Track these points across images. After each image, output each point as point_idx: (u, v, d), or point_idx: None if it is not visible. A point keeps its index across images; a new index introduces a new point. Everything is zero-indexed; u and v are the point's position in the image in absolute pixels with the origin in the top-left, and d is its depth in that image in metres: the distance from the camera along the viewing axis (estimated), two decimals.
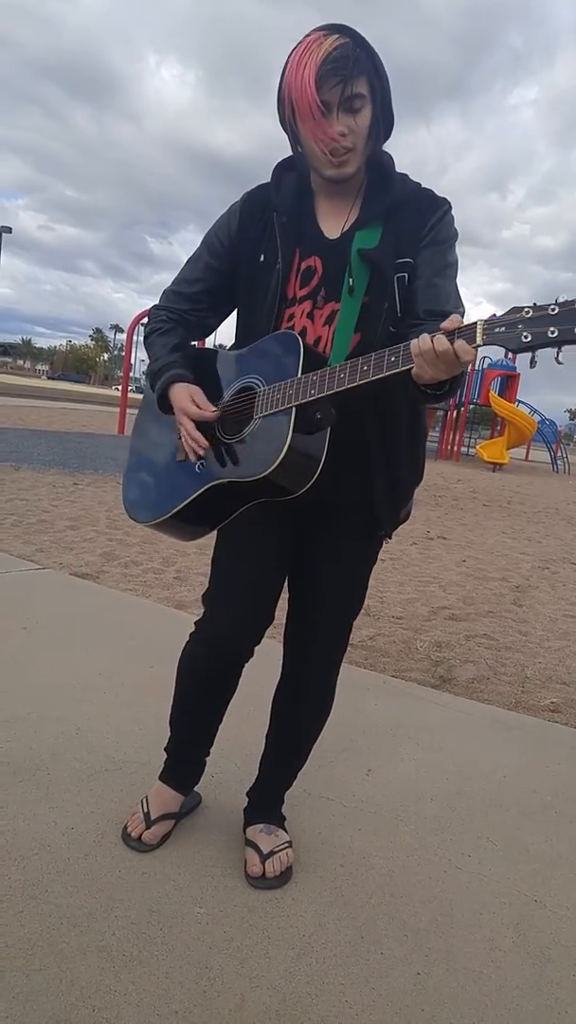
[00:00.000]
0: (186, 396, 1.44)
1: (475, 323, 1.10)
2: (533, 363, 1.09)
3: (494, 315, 1.12)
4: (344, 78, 1.24)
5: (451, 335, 1.10)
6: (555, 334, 1.04)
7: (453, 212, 1.40)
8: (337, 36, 1.25)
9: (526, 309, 1.07)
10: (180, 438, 1.47)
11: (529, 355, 1.08)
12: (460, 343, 1.09)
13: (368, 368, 1.20)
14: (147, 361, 1.62)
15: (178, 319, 1.57)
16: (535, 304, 1.07)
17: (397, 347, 1.17)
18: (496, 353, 23.63)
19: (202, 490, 1.42)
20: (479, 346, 1.10)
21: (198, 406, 1.43)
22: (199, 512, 1.47)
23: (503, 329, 1.08)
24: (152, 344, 1.56)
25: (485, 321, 1.10)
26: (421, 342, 1.11)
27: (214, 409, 1.42)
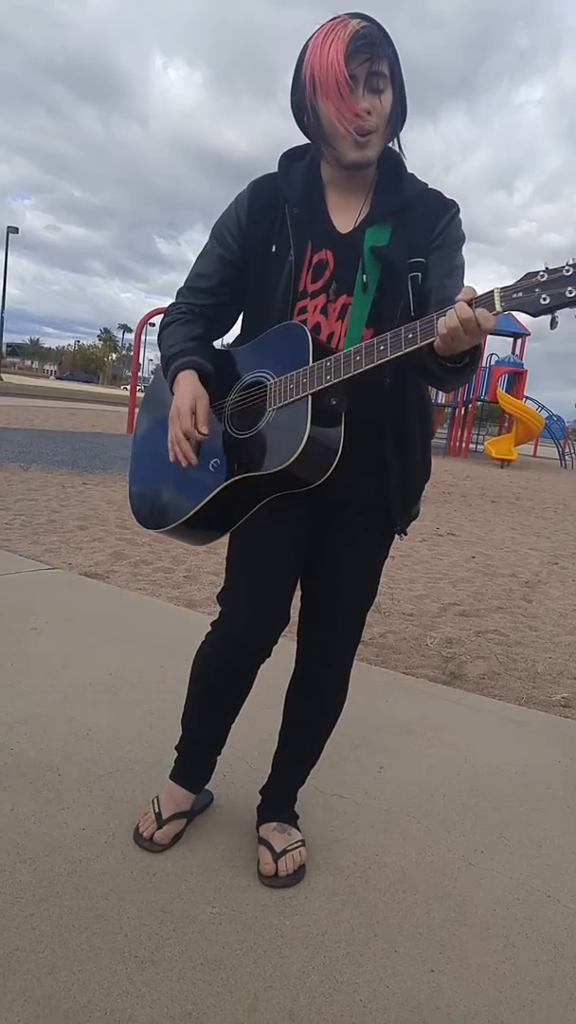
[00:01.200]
0: (189, 395, 1.40)
1: (492, 291, 1.12)
2: (554, 324, 1.10)
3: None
4: (372, 55, 1.26)
5: (470, 304, 1.11)
6: (572, 293, 1.05)
7: (461, 215, 1.41)
8: (361, 20, 1.27)
9: (540, 273, 1.08)
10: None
11: (549, 317, 1.10)
12: (481, 310, 1.10)
13: (385, 347, 1.19)
14: (156, 361, 1.60)
15: (198, 312, 1.53)
16: (547, 267, 1.08)
17: (412, 324, 1.17)
18: (503, 350, 23.56)
19: (218, 489, 1.39)
20: (498, 313, 1.11)
21: (196, 418, 1.39)
22: (214, 514, 1.44)
23: (520, 294, 1.10)
24: (170, 334, 1.51)
25: (502, 288, 1.11)
26: (448, 319, 1.12)
27: (205, 433, 1.39)
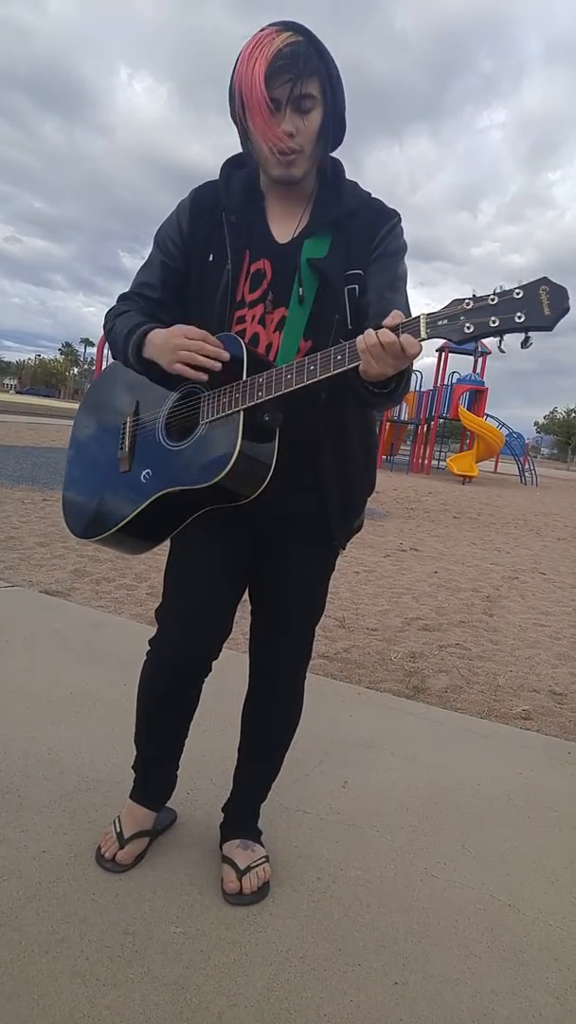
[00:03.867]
0: (177, 329, 1.31)
1: (418, 317, 1.11)
2: (476, 351, 1.10)
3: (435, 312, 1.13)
4: (294, 76, 1.21)
5: (395, 330, 1.11)
6: (496, 323, 1.05)
7: (415, 234, 1.41)
8: (290, 33, 1.22)
9: (467, 301, 1.08)
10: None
11: (473, 344, 1.10)
12: (406, 337, 1.10)
13: (315, 368, 1.19)
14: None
15: (149, 313, 1.48)
16: (475, 295, 1.08)
17: (342, 346, 1.17)
18: (465, 368, 24.07)
19: (150, 500, 1.38)
20: (424, 339, 1.11)
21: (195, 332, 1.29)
22: (147, 524, 1.43)
23: (445, 322, 1.09)
24: (125, 319, 1.44)
25: (428, 315, 1.11)
26: (366, 337, 1.12)
27: (217, 343, 1.30)
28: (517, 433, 26.75)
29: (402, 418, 22.23)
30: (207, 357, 1.28)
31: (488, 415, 22.94)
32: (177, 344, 1.30)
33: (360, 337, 1.13)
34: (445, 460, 25.31)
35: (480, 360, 23.84)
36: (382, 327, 1.11)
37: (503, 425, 24.39)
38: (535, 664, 3.65)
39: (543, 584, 6.04)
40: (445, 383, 22.22)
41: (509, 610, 4.87)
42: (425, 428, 23.30)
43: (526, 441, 29.28)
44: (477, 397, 22.29)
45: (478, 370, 23.84)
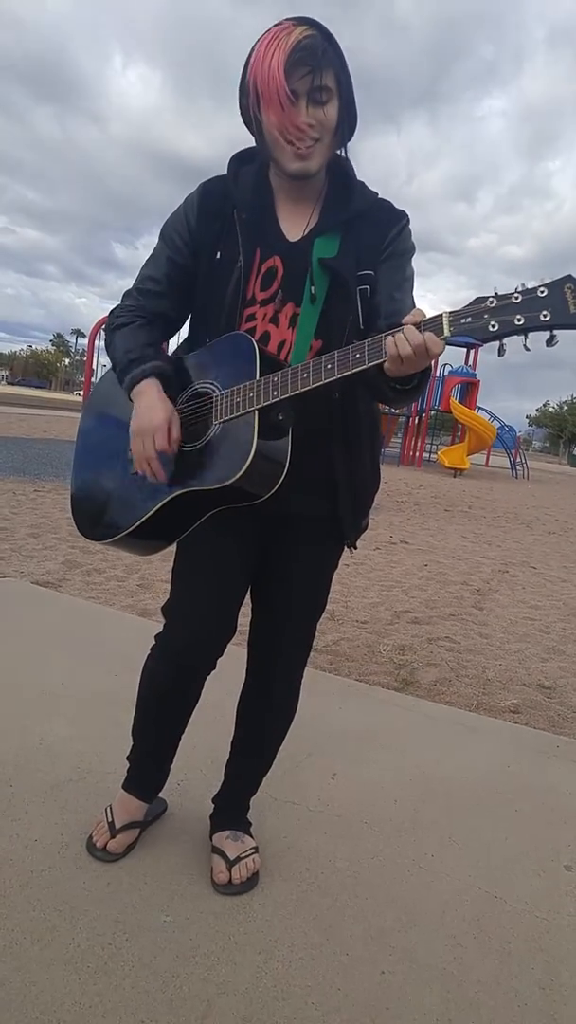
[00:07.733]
0: (163, 409, 1.34)
1: (440, 315, 1.11)
2: (502, 351, 1.09)
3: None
4: (313, 68, 1.22)
5: (417, 327, 1.11)
6: (521, 322, 1.05)
7: (411, 225, 1.40)
8: (306, 27, 1.23)
9: (490, 299, 1.07)
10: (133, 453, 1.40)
11: (497, 344, 1.08)
12: (429, 335, 1.10)
13: (332, 366, 1.18)
14: (109, 366, 1.57)
15: (150, 318, 1.48)
16: (497, 293, 1.07)
17: (360, 344, 1.16)
18: (457, 360, 24.05)
19: (163, 503, 1.37)
20: (447, 338, 1.11)
21: (170, 435, 1.34)
22: (158, 526, 1.42)
23: (469, 320, 1.09)
24: (123, 337, 1.44)
25: (451, 312, 1.10)
26: (397, 339, 1.11)
27: (175, 450, 1.36)
28: (509, 426, 26.85)
29: (393, 410, 22.25)
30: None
31: (480, 408, 23.02)
32: (137, 433, 1.36)
33: (390, 338, 1.12)
34: (436, 453, 25.37)
35: (472, 352, 23.86)
36: (407, 326, 1.11)
37: (495, 418, 24.48)
38: (524, 658, 3.68)
39: (533, 578, 6.08)
40: (437, 375, 22.23)
41: (499, 603, 4.90)
42: (416, 420, 23.33)
43: (518, 434, 29.39)
44: (469, 389, 22.34)
45: (470, 362, 23.89)
